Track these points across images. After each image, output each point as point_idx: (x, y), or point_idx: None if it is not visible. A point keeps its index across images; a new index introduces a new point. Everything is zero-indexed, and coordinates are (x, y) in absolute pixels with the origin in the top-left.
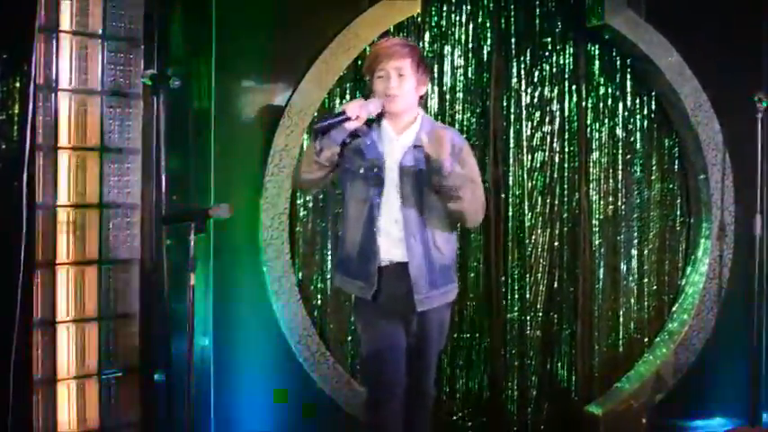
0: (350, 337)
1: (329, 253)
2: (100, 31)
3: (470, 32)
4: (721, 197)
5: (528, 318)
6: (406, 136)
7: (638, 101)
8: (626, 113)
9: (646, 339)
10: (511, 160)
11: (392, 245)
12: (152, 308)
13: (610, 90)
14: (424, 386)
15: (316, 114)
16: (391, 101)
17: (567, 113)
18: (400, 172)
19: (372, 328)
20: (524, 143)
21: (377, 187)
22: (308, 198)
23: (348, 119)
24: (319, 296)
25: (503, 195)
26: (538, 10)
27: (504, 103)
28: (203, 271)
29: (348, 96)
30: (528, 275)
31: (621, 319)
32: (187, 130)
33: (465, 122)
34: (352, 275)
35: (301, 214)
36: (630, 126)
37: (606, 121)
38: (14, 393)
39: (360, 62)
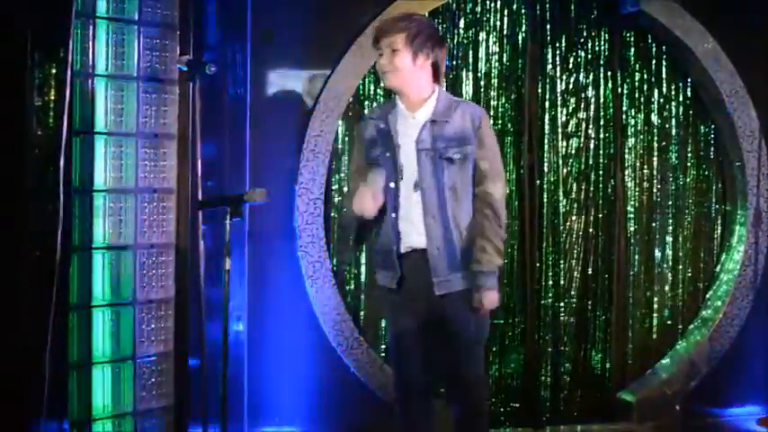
0: (384, 323)
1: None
2: (136, 17)
3: (505, 19)
4: (757, 184)
5: (562, 304)
6: (422, 113)
7: (673, 87)
8: (661, 100)
9: (680, 326)
10: (546, 146)
11: (414, 230)
12: (187, 293)
13: (645, 76)
14: (469, 377)
15: (350, 100)
16: (386, 77)
17: (602, 100)
18: (417, 151)
19: (394, 324)
20: (559, 129)
21: (395, 171)
22: (342, 184)
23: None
24: (353, 282)
25: (538, 181)
26: None
27: (540, 90)
28: (238, 256)
29: (382, 82)
30: (562, 261)
31: (656, 306)
32: (223, 116)
33: (500, 108)
34: (380, 266)
35: (336, 200)
36: (665, 113)
37: (641, 107)
38: (50, 377)
39: None
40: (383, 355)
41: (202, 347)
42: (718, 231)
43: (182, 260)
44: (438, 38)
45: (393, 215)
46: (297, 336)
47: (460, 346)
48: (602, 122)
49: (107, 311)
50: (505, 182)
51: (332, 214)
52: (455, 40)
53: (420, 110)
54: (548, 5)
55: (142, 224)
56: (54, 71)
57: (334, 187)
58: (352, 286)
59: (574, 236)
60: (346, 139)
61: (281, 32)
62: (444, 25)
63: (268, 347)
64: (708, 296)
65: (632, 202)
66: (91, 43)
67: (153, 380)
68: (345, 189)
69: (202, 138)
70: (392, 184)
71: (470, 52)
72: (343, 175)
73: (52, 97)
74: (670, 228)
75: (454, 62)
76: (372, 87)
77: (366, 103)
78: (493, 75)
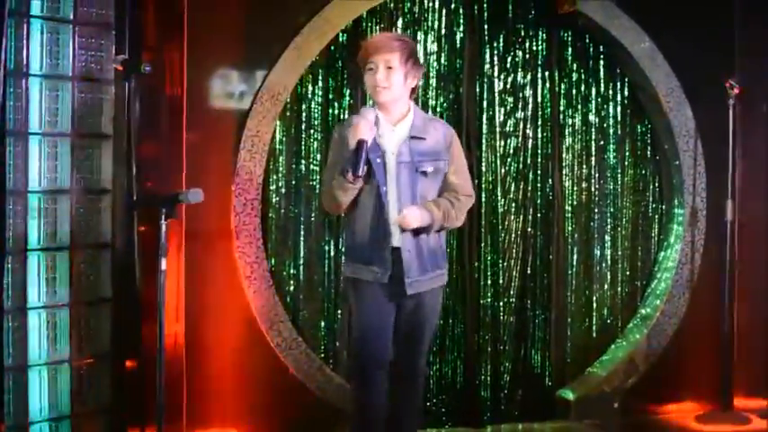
0: (323, 323)
1: (302, 239)
2: (71, 16)
3: (443, 18)
4: (693, 183)
5: (501, 303)
6: (401, 127)
7: (610, 87)
8: (599, 99)
9: (619, 325)
10: (484, 146)
11: (395, 231)
12: (124, 294)
13: (582, 76)
14: (419, 367)
15: (288, 100)
16: (379, 93)
17: (539, 99)
18: (396, 163)
19: (367, 309)
20: (497, 129)
21: (385, 174)
22: (280, 184)
23: (365, 142)
24: (292, 282)
25: (476, 181)
26: None
27: (477, 89)
28: (175, 256)
29: (320, 82)
30: (501, 261)
31: (595, 305)
32: (159, 116)
33: (438, 108)
34: (365, 261)
35: (274, 200)
36: (603, 112)
37: (579, 107)
38: None
39: (332, 48)
40: (322, 355)
41: (139, 349)
42: (656, 230)
43: (118, 261)
44: (419, 60)
45: (385, 216)
46: (235, 337)
47: (423, 338)
48: (539, 122)
49: (43, 313)
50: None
51: (270, 215)
52: None
53: (399, 124)
54: (485, 5)
55: (77, 225)
56: None
57: (271, 188)
58: (291, 287)
59: (512, 235)
60: (284, 139)
61: (218, 32)
62: (382, 25)
63: (206, 349)
64: (646, 294)
65: (570, 202)
66: (25, 42)
67: (90, 382)
68: (284, 191)
69: (138, 138)
70: (384, 188)
71: None
72: (280, 175)
73: None
74: (608, 227)
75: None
76: (310, 87)
77: (304, 103)
78: (431, 74)
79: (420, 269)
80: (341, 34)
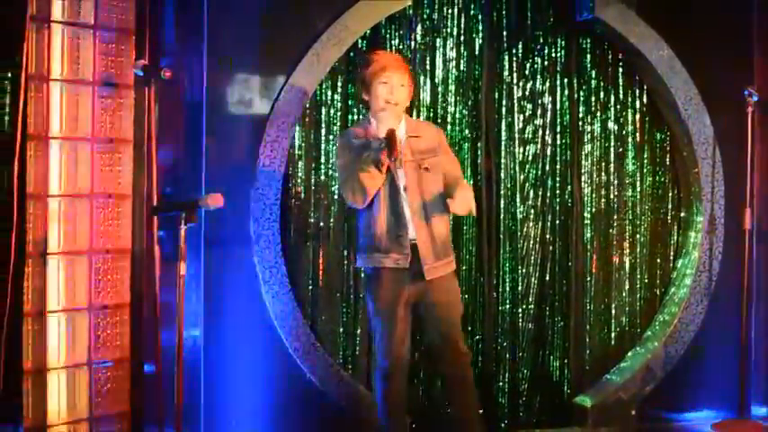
0: (341, 329)
1: (321, 244)
2: (92, 22)
3: (462, 25)
4: (711, 190)
5: (520, 310)
6: (400, 130)
7: (629, 94)
8: (618, 107)
9: (637, 332)
10: (503, 153)
11: (411, 223)
12: (143, 298)
13: (601, 83)
14: (461, 346)
15: (307, 105)
16: (389, 106)
17: (558, 106)
18: (403, 161)
19: (389, 294)
20: (516, 136)
21: (396, 171)
22: (299, 189)
23: (395, 131)
24: (310, 287)
25: (495, 188)
26: (529, 3)
27: (496, 96)
28: (194, 262)
29: (340, 88)
30: (520, 268)
31: (613, 312)
32: (179, 121)
33: (457, 115)
34: (384, 251)
35: (293, 206)
36: (622, 119)
37: (598, 114)
38: (5, 383)
39: (352, 54)
40: (340, 360)
41: (158, 353)
42: (674, 237)
43: (137, 266)
44: None
45: (400, 209)
46: (253, 341)
47: (456, 320)
48: (558, 129)
49: (62, 317)
50: None
51: (288, 220)
52: (412, 47)
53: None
54: (504, 12)
55: (97, 229)
56: (9, 75)
57: (290, 193)
58: (309, 292)
59: (531, 242)
60: (303, 144)
61: (238, 38)
62: (401, 31)
63: (224, 353)
64: (664, 302)
65: (589, 209)
66: (46, 47)
67: (108, 386)
68: (303, 195)
69: (158, 143)
70: (400, 182)
71: (428, 59)
72: (299, 180)
73: (7, 101)
74: (627, 234)
75: (412, 68)
76: (330, 93)
77: (323, 109)
78: (450, 81)
79: (434, 256)
80: (360, 41)
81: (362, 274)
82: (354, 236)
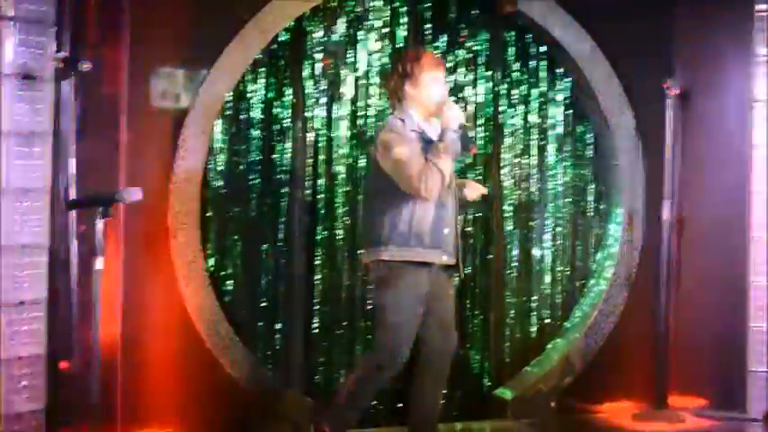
0: (262, 323)
1: (241, 239)
2: (11, 13)
3: (386, 18)
4: (631, 183)
5: None
6: (435, 122)
7: (551, 87)
8: (540, 99)
9: (557, 324)
10: None
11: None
12: (59, 294)
13: (524, 76)
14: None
15: (229, 99)
16: (438, 103)
17: (481, 99)
18: None
19: (412, 299)
20: None
21: None
22: (219, 184)
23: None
24: (229, 282)
25: None
26: None
27: None
28: (112, 256)
29: (262, 81)
30: None
31: (534, 304)
32: (98, 114)
33: (380, 108)
34: (430, 246)
35: (213, 200)
36: (544, 112)
37: (520, 106)
38: None
39: (274, 47)
40: (260, 355)
41: (74, 349)
42: (595, 230)
43: (54, 261)
44: None
45: (446, 199)
46: (172, 336)
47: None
48: (482, 121)
49: None
50: None
51: (208, 214)
52: (335, 39)
53: (433, 119)
54: (427, 5)
55: (13, 224)
56: None
57: (210, 187)
58: (230, 287)
59: None
60: (224, 138)
61: (160, 31)
62: (325, 24)
63: (143, 349)
64: (584, 294)
65: (510, 201)
66: None
67: (23, 383)
68: (223, 191)
69: (77, 136)
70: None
71: (350, 51)
72: (220, 174)
73: None
74: (548, 227)
75: (334, 61)
76: (252, 86)
77: (245, 102)
78: (372, 74)
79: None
80: (283, 33)
81: (378, 268)
82: (274, 229)
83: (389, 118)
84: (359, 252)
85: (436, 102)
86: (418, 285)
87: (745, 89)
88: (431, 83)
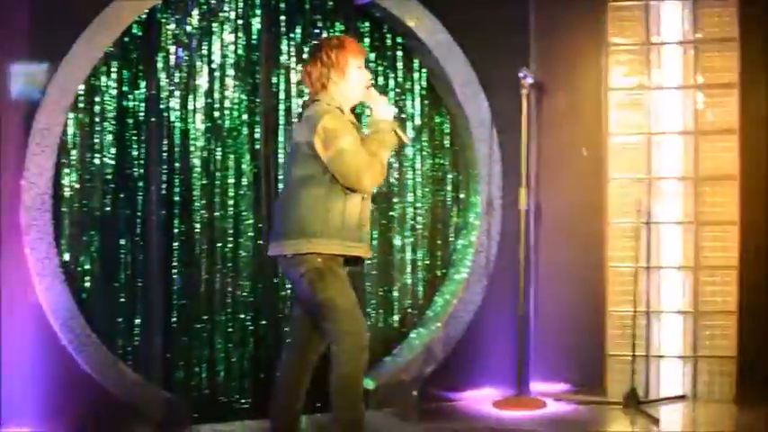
0: (119, 319)
1: (97, 234)
2: None
3: (240, 9)
4: (489, 172)
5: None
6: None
7: (408, 78)
8: (397, 90)
9: (418, 313)
10: (281, 137)
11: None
12: None
13: (380, 67)
14: None
15: (81, 92)
16: (369, 93)
17: None
18: None
19: (348, 288)
20: (294, 120)
21: None
22: (73, 179)
23: None
24: (86, 278)
25: (273, 173)
26: None
27: (275, 80)
28: None
29: (114, 74)
30: None
31: (395, 294)
32: None
33: (235, 100)
34: (354, 240)
35: (67, 195)
36: (401, 103)
37: None
38: None
39: (127, 39)
40: (120, 351)
41: None
42: (454, 219)
43: None
44: None
45: (364, 200)
46: (27, 334)
47: None
48: None
49: None
50: None
51: (63, 209)
52: (188, 31)
53: None
54: None
55: None
56: None
57: (64, 181)
58: (86, 283)
59: None
60: (77, 132)
61: (7, 22)
62: (178, 15)
63: None
64: (444, 282)
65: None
66: None
67: None
68: (78, 186)
69: None
70: None
71: (205, 43)
72: (73, 169)
73: None
74: (407, 216)
75: (188, 53)
76: (104, 79)
77: (97, 95)
78: (227, 66)
79: None
80: (135, 26)
81: (311, 260)
82: (131, 225)
83: (324, 105)
84: (275, 243)
85: (362, 91)
86: (345, 274)
87: (599, 78)
88: (356, 71)
